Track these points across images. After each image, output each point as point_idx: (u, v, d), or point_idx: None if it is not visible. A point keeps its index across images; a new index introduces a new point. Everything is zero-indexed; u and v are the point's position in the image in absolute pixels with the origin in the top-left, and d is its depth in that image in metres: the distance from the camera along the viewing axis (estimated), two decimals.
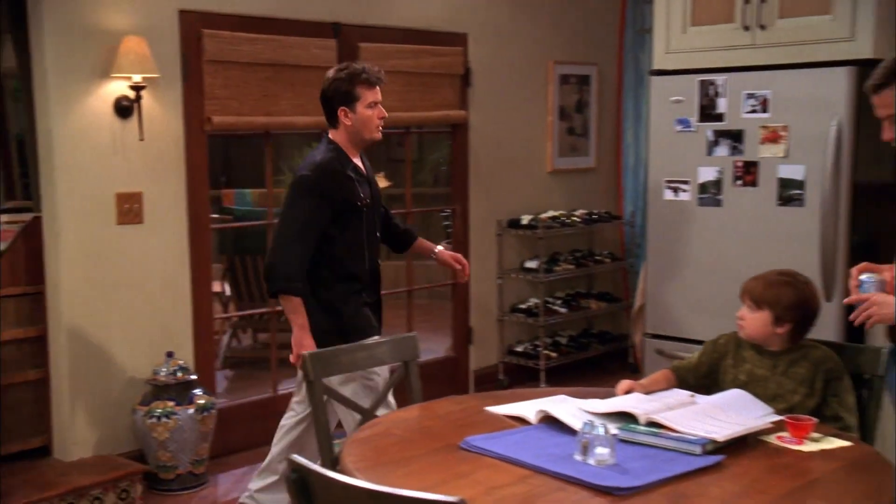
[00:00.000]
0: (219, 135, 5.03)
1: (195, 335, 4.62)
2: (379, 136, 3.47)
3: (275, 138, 5.08)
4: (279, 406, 5.03)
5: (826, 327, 3.55)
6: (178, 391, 4.28)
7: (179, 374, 4.31)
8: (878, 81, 2.62)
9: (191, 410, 4.25)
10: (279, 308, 5.52)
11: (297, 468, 1.93)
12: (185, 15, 4.45)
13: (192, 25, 4.47)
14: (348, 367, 3.12)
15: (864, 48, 3.86)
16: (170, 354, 4.37)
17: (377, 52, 5.12)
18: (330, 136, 3.46)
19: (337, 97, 3.39)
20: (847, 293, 2.80)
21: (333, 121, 3.44)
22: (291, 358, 3.40)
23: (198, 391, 4.34)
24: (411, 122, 5.45)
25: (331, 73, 3.44)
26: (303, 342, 3.34)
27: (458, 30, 5.58)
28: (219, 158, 8.41)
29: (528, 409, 2.59)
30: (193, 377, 4.38)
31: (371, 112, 3.40)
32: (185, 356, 4.51)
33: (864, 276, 2.73)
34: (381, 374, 3.39)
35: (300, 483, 1.93)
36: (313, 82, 4.89)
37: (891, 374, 2.78)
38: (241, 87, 4.64)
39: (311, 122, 4.96)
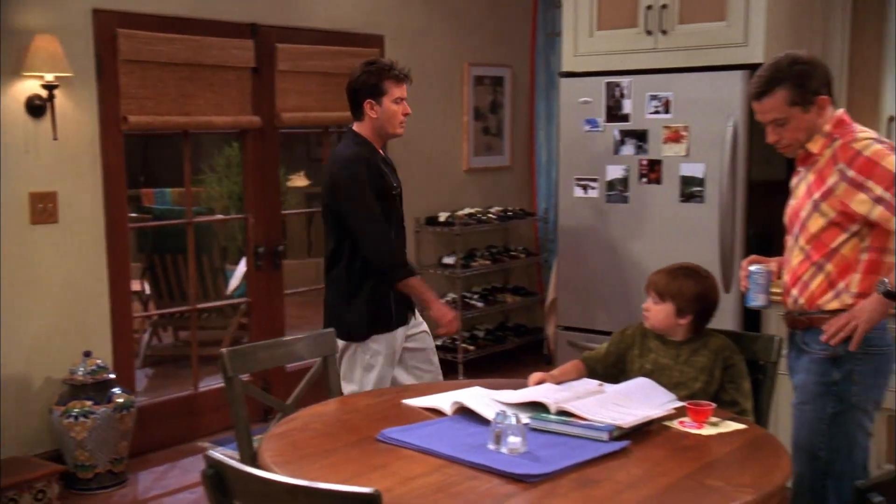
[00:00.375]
0: (136, 134, 5.00)
1: (113, 334, 4.59)
2: (402, 131, 3.54)
3: (193, 138, 5.07)
4: (200, 403, 5.05)
5: (725, 317, 3.69)
6: (96, 390, 4.25)
7: (97, 374, 4.29)
8: (758, 90, 2.77)
9: (109, 409, 4.24)
10: (200, 305, 5.52)
11: (213, 464, 1.92)
12: (99, 14, 4.41)
13: (107, 25, 4.44)
14: (266, 363, 3.16)
15: (755, 53, 3.99)
16: (87, 354, 4.34)
17: (295, 53, 5.15)
18: (355, 128, 3.53)
19: (364, 90, 3.46)
20: None
21: (358, 113, 3.50)
22: (441, 330, 3.54)
23: (116, 390, 4.33)
24: (330, 122, 5.46)
25: (359, 66, 3.50)
26: (445, 312, 3.50)
27: (375, 31, 5.62)
28: (138, 158, 8.29)
29: (444, 400, 2.65)
30: (112, 376, 4.36)
31: (396, 107, 3.47)
32: (104, 355, 4.48)
33: (753, 268, 2.90)
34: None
35: (216, 479, 1.93)
36: (231, 82, 4.92)
37: (790, 355, 2.93)
38: (157, 86, 4.62)
39: (228, 122, 4.97)
